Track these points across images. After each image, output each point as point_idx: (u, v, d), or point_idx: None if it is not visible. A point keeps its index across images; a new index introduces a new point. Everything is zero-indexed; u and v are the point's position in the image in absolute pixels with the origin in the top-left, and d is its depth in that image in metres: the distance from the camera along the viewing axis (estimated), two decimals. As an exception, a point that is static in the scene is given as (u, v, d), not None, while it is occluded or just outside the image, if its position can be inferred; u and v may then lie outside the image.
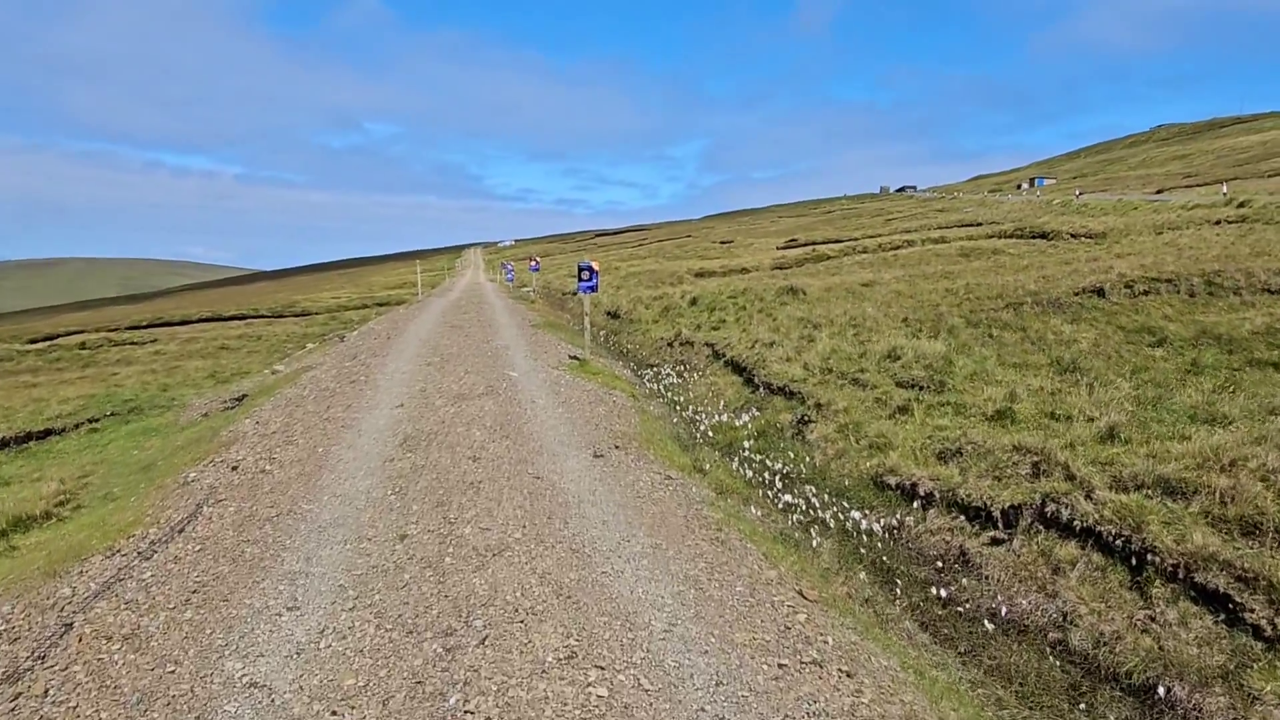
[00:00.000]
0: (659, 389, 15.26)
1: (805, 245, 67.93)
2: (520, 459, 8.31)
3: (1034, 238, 41.51)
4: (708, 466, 9.35)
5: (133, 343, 37.85)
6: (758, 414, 12.23)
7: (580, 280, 14.51)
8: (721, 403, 13.52)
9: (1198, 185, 74.31)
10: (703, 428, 12.28)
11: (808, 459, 9.96)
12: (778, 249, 74.24)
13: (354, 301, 68.05)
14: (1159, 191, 73.18)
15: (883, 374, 11.67)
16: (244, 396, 15.75)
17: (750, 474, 9.60)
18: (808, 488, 8.94)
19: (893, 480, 8.45)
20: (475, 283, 56.20)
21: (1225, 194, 46.51)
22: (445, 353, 15.44)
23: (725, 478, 9.02)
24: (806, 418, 11.15)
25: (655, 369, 17.32)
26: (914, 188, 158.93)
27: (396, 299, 60.90)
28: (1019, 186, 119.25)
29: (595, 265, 14.46)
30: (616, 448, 9.06)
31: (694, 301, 22.13)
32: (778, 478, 9.36)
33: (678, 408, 13.89)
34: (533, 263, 33.56)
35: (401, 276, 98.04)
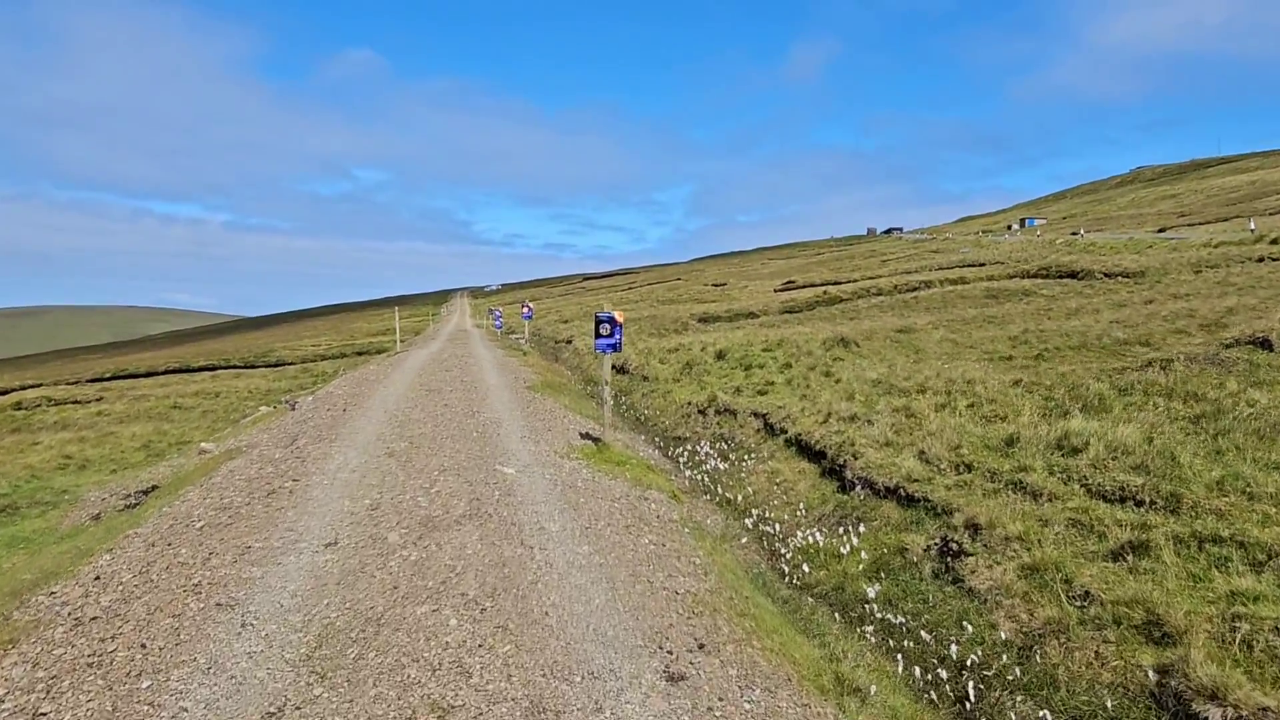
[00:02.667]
0: (702, 480, 11.29)
1: (807, 287, 64.59)
2: (535, 700, 4.29)
3: (1062, 277, 38.17)
4: (851, 667, 5.37)
5: (75, 401, 33.53)
6: (862, 529, 8.27)
7: (598, 336, 10.60)
8: (799, 507, 9.57)
9: (1199, 224, 71.92)
10: (787, 554, 8.31)
11: (989, 631, 6.00)
12: (775, 290, 70.90)
13: (333, 350, 63.88)
14: (1161, 230, 70.69)
15: (1059, 476, 7.77)
16: (154, 488, 11.69)
17: (917, 672, 5.62)
18: (1025, 702, 5.01)
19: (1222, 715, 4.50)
20: (461, 330, 52.20)
21: (1254, 230, 43.60)
22: (415, 433, 11.43)
23: (893, 697, 5.04)
24: (954, 545, 7.19)
25: (688, 446, 13.35)
26: (900, 229, 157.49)
27: (377, 347, 56.73)
28: (1009, 227, 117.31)
29: (619, 317, 10.62)
30: (700, 647, 5.05)
31: (721, 355, 18.25)
32: (968, 682, 5.39)
33: (736, 512, 9.92)
34: (525, 309, 29.71)
35: (385, 323, 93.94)
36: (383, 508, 7.76)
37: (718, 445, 12.96)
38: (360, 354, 56.00)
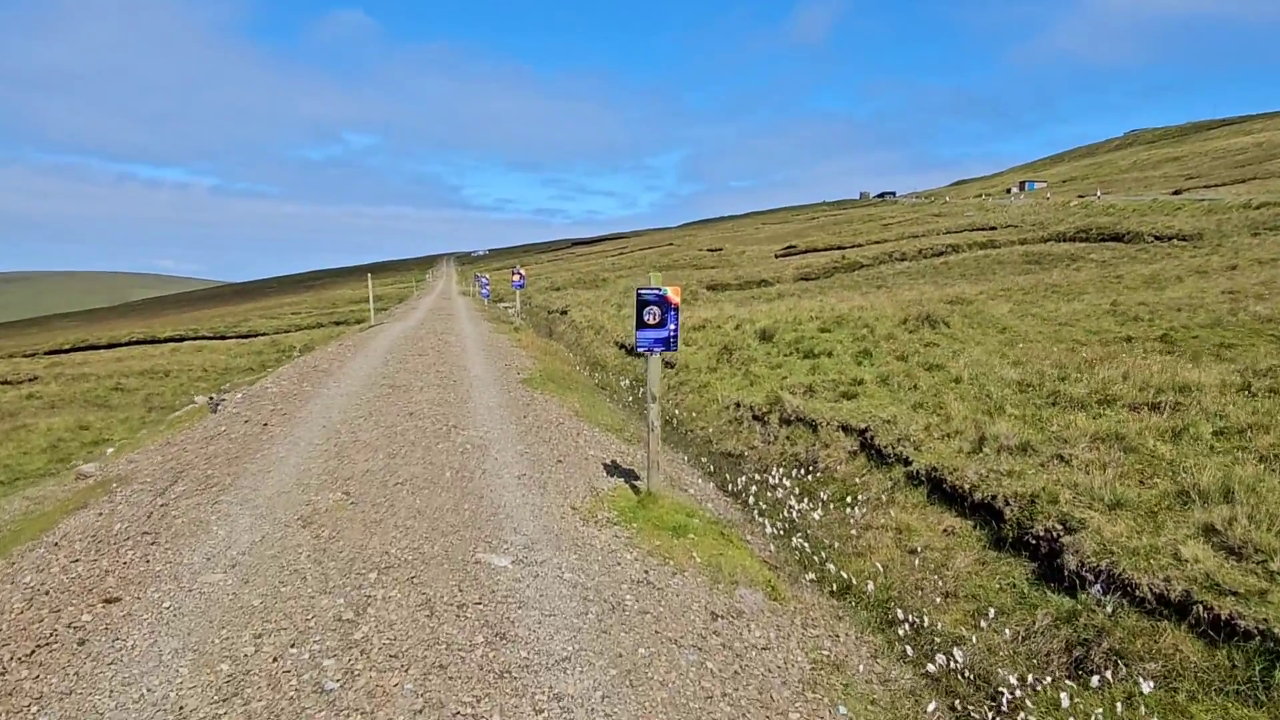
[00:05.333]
0: (790, 538, 7.36)
1: (811, 252, 60.63)
2: None
3: (1104, 240, 34.29)
4: None
5: (5, 382, 29.22)
6: (1145, 688, 4.42)
7: (642, 326, 6.49)
8: (980, 613, 5.69)
9: (1215, 185, 68.09)
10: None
11: None
12: (776, 256, 66.85)
13: (310, 320, 59.51)
14: (1176, 192, 66.94)
15: None
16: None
17: None
18: None
19: None
20: (445, 299, 47.83)
21: (1302, 190, 39.80)
22: (358, 471, 7.41)
23: None
24: None
25: (750, 471, 9.43)
26: (894, 194, 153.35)
27: (357, 316, 52.26)
28: (1008, 190, 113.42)
29: (673, 295, 6.59)
30: None
31: (766, 336, 14.23)
32: None
33: (869, 612, 6.05)
34: (516, 276, 25.56)
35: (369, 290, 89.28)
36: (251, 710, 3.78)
37: (795, 474, 9.02)
38: (338, 324, 51.73)
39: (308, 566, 5.24)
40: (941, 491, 7.40)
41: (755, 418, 10.79)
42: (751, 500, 8.56)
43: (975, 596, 6.04)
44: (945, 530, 7.02)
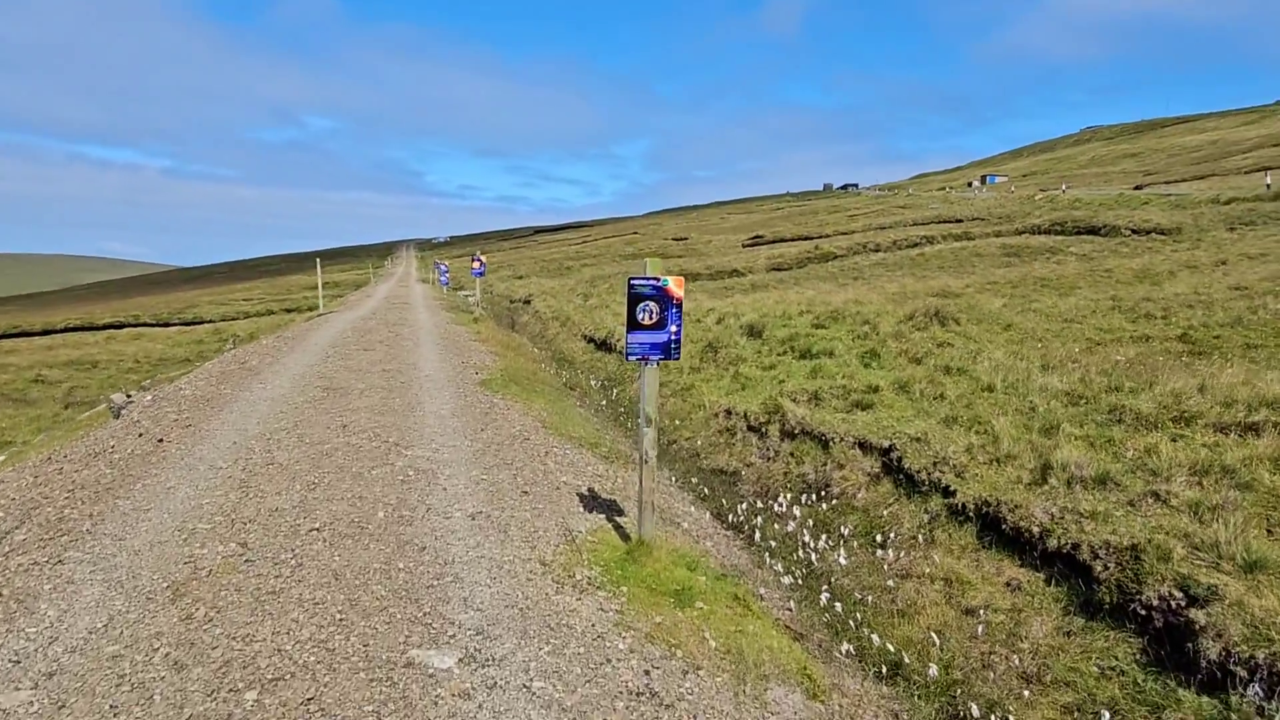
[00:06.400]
0: (808, 588, 5.87)
1: (780, 242, 59.50)
2: None
3: (1080, 233, 33.49)
4: None
5: (-86, 373, 26.61)
6: None
7: (635, 327, 4.89)
8: (1061, 697, 4.30)
9: (1175, 181, 68.40)
10: None
11: None
12: (743, 246, 65.61)
13: (261, 307, 56.80)
14: (1138, 187, 67.17)
15: None
16: None
17: None
18: None
19: None
20: (403, 286, 45.63)
21: (1269, 185, 39.57)
22: (268, 506, 5.72)
23: None
24: None
25: (752, 497, 7.95)
26: (856, 185, 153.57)
27: (310, 303, 49.78)
28: (970, 184, 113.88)
29: (675, 286, 5.01)
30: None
31: (754, 332, 12.74)
32: None
33: (937, 702, 4.60)
34: (476, 264, 23.76)
35: (326, 275, 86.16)
36: None
37: (805, 499, 7.54)
38: (290, 311, 49.28)
39: (160, 678, 3.59)
40: (998, 533, 5.96)
41: (751, 428, 9.28)
42: (757, 534, 7.06)
43: (1070, 684, 4.61)
44: (1009, 584, 5.59)
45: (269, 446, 7.40)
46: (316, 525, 5.42)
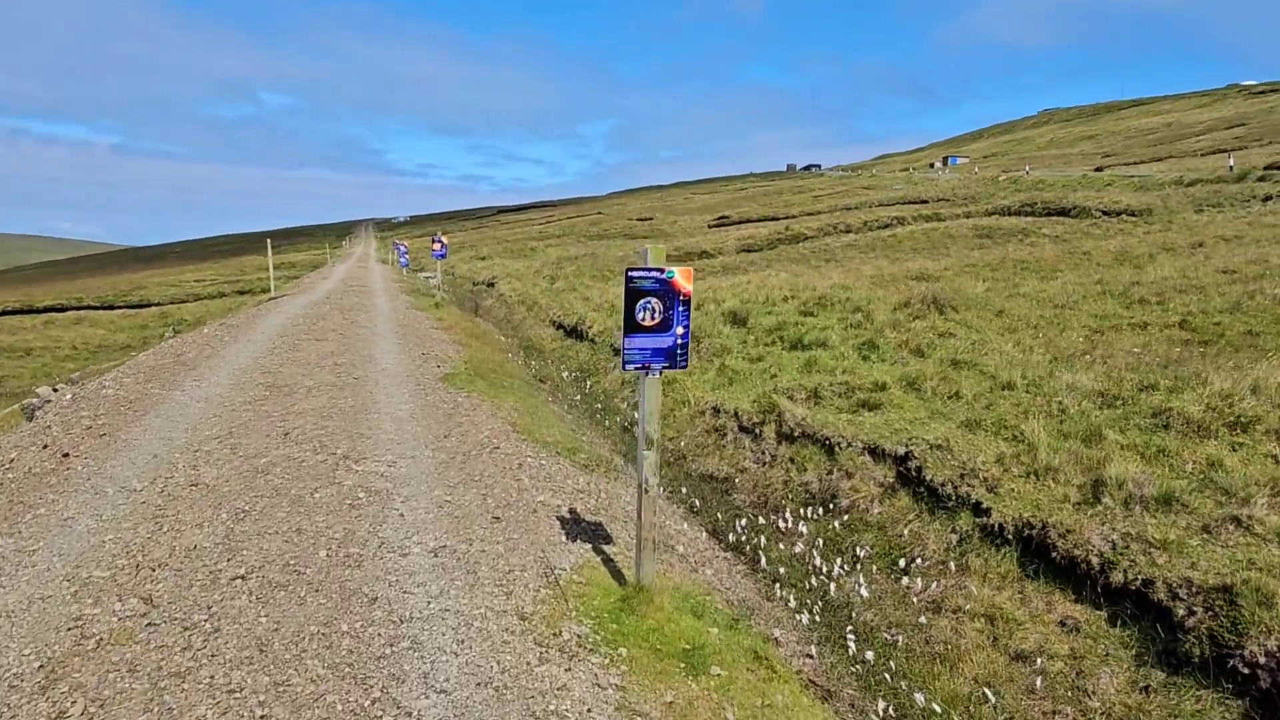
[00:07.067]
0: (860, 652, 5.01)
1: (746, 223, 58.79)
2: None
3: (1050, 214, 33.18)
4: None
5: None
6: None
7: (634, 329, 3.96)
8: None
9: (1134, 163, 69.02)
10: None
11: None
12: (709, 226, 64.79)
13: (213, 288, 54.60)
14: (1098, 169, 67.66)
15: None
16: None
17: None
18: None
19: None
20: (362, 267, 43.94)
21: (1232, 167, 39.73)
22: (181, 548, 4.68)
23: None
24: None
25: (755, 518, 7.09)
26: (819, 166, 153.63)
27: (264, 285, 47.85)
28: (931, 165, 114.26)
29: (683, 280, 4.09)
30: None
31: (738, 320, 11.86)
32: None
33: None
34: (437, 245, 22.50)
35: (281, 257, 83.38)
36: None
37: (810, 513, 6.69)
38: (243, 293, 47.32)
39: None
40: (1045, 560, 5.17)
41: (743, 429, 8.41)
42: (761, 557, 6.20)
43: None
44: (1063, 624, 4.80)
45: (195, 461, 6.33)
46: (242, 571, 4.41)
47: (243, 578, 4.34)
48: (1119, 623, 4.59)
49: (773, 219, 58.61)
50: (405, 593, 4.30)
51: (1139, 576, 4.54)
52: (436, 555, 4.79)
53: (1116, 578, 4.64)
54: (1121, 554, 4.72)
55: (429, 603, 4.21)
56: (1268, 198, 31.61)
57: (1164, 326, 12.23)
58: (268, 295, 27.23)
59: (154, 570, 4.43)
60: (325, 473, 6.08)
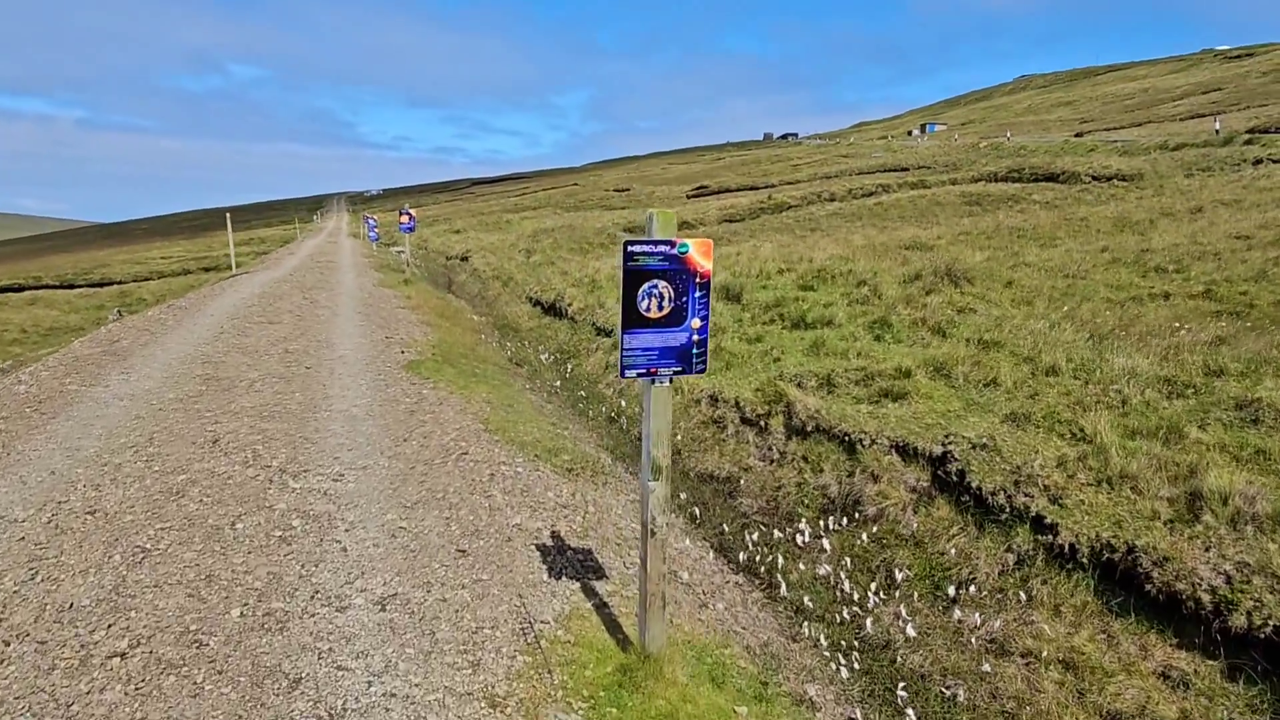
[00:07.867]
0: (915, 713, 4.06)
1: (726, 192, 57.62)
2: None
3: (1038, 180, 32.33)
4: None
5: None
6: None
7: (636, 322, 2.99)
8: None
9: (1113, 129, 68.49)
10: None
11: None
12: (688, 197, 63.49)
13: (179, 265, 52.59)
14: (1079, 135, 67.05)
15: None
16: None
17: None
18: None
19: None
20: (331, 242, 42.29)
21: (1219, 130, 39.06)
22: (56, 605, 3.58)
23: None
24: None
25: (768, 532, 6.10)
26: (796, 135, 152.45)
27: (227, 263, 46.10)
28: (909, 133, 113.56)
29: (700, 255, 3.13)
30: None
31: (731, 295, 10.81)
32: None
33: None
34: (405, 218, 21.20)
35: (251, 232, 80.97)
36: None
37: (831, 524, 5.72)
38: (209, 270, 45.51)
39: None
40: (1132, 590, 4.23)
41: (746, 421, 7.41)
42: (780, 580, 5.22)
43: None
44: (1164, 675, 3.87)
45: (100, 479, 5.21)
46: (123, 645, 3.35)
47: (123, 655, 3.28)
48: (1241, 678, 3.66)
49: (753, 188, 57.50)
50: (339, 669, 3.27)
51: (1270, 621, 3.61)
52: (384, 608, 3.75)
53: (1238, 621, 3.71)
54: (1241, 591, 3.78)
55: (369, 684, 3.18)
56: (1258, 160, 30.94)
57: (1188, 297, 11.36)
58: (231, 273, 25.83)
59: (6, 646, 3.35)
60: (254, 494, 4.99)
